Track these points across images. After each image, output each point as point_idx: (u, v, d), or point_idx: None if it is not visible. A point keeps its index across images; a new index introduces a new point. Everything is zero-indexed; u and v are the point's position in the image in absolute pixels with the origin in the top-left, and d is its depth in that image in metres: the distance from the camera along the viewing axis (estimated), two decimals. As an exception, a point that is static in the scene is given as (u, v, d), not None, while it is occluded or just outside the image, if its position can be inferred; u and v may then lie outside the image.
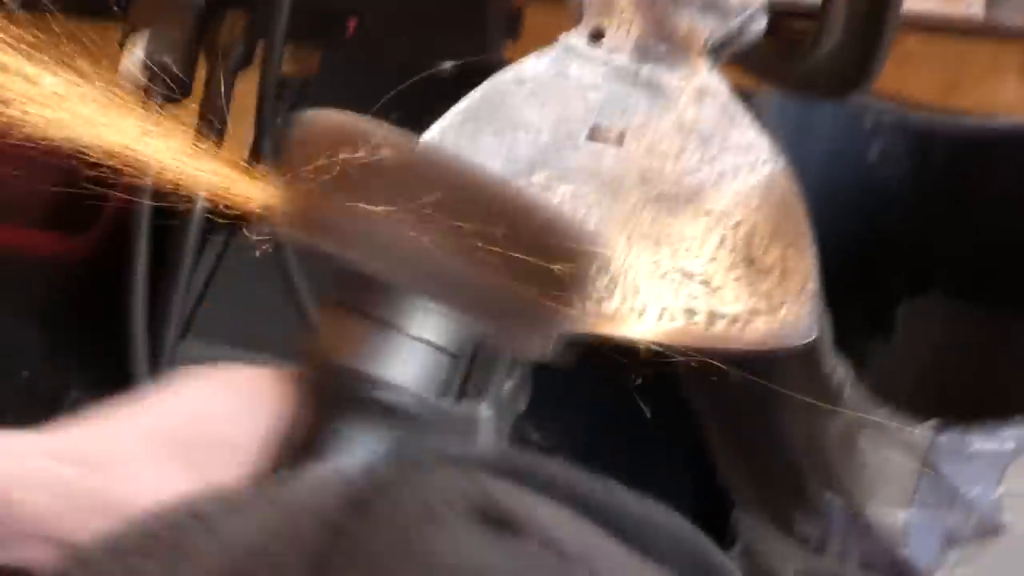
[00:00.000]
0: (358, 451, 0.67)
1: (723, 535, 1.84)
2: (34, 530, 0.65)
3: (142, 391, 0.68)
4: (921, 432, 1.39)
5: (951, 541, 1.51)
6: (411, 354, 0.67)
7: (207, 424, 0.68)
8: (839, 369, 1.42)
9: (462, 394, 1.63)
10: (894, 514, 1.48)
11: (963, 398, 1.69)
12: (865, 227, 1.97)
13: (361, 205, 0.65)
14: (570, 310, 0.67)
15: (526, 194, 0.68)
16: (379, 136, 0.66)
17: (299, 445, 0.67)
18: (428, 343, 0.67)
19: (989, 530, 1.49)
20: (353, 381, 0.66)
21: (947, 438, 1.38)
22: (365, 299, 0.66)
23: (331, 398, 0.67)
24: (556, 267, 0.66)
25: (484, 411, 1.61)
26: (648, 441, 1.96)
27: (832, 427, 1.45)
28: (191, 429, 0.68)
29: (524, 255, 0.66)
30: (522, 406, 1.75)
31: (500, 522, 0.41)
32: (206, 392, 0.69)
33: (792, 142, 1.69)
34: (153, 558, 0.46)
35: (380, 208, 0.65)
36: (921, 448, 1.40)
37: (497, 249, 0.65)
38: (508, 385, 1.69)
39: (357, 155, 0.65)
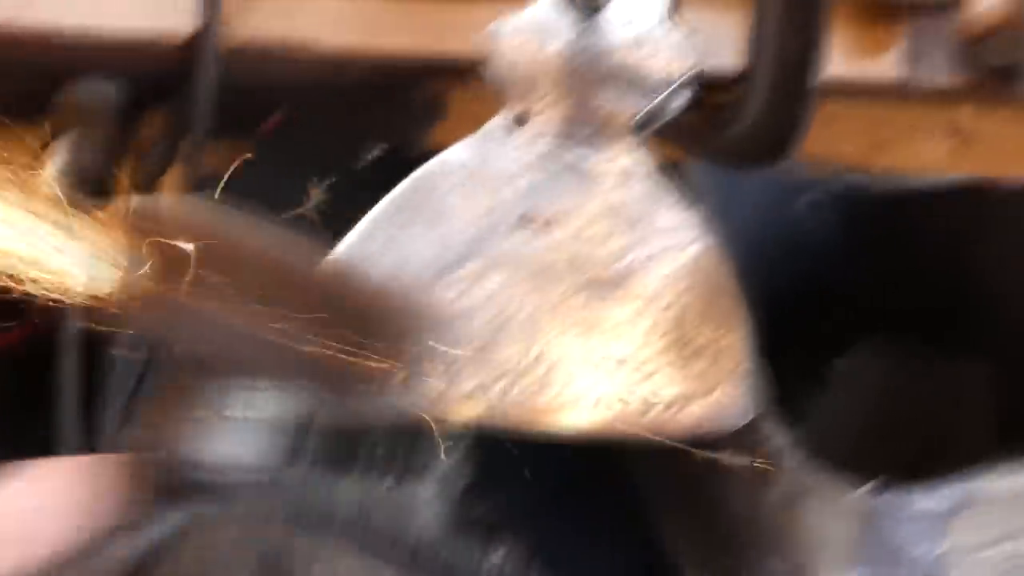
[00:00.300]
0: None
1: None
2: None
3: None
4: (862, 494, 1.40)
5: (898, 599, 1.52)
6: (236, 433, 0.67)
7: (19, 519, 0.67)
8: (777, 435, 1.42)
9: (402, 474, 1.62)
10: (839, 576, 1.49)
11: (905, 449, 1.70)
12: (796, 281, 1.98)
13: (180, 293, 0.65)
14: (389, 375, 0.68)
15: (345, 272, 0.70)
16: (207, 224, 0.67)
17: (126, 532, 0.67)
18: (251, 420, 0.67)
19: (935, 586, 1.50)
20: (182, 466, 0.66)
21: (888, 498, 1.39)
22: (188, 382, 0.67)
23: (159, 482, 0.67)
24: (369, 337, 0.67)
25: (424, 492, 1.61)
26: (595, 512, 1.96)
27: (773, 493, 1.46)
28: (6, 527, 0.67)
29: (340, 328, 0.66)
30: (465, 481, 1.74)
31: (281, 572, 0.41)
32: (16, 486, 0.69)
33: (720, 199, 1.70)
34: None
35: (197, 296, 0.65)
36: (863, 510, 1.41)
37: (313, 325, 0.66)
38: (449, 461, 1.68)
39: (183, 242, 0.66)
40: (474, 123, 0.98)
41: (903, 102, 1.06)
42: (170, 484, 0.67)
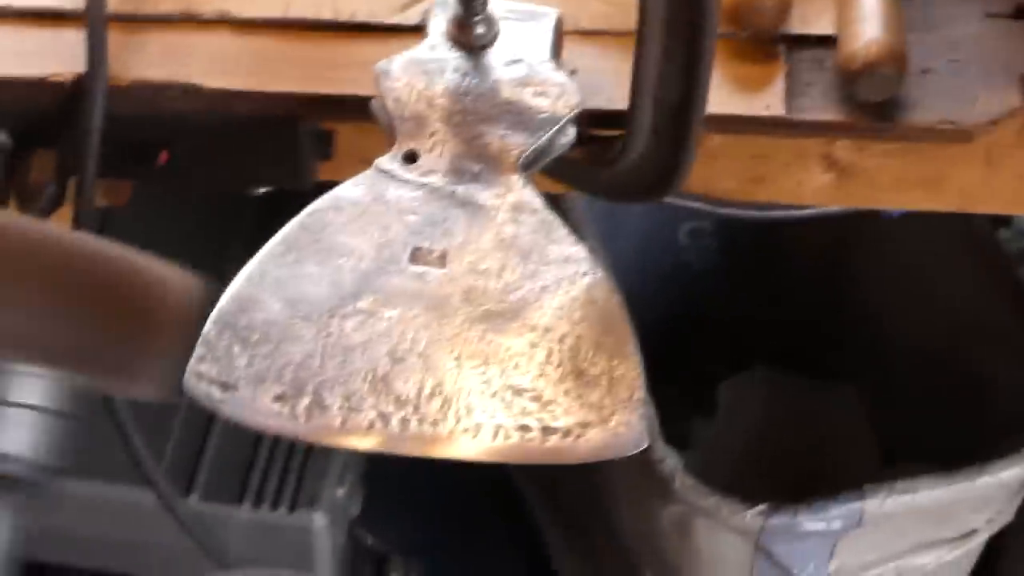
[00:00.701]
0: None
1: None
2: None
3: None
4: (752, 516, 1.42)
5: (789, 619, 1.54)
6: (17, 422, 0.67)
7: None
8: (669, 458, 1.45)
9: (294, 505, 1.62)
10: (732, 597, 1.51)
11: (791, 470, 1.72)
12: (681, 307, 2.01)
13: None
14: (158, 349, 0.68)
15: (110, 250, 0.69)
16: None
17: None
18: (30, 407, 0.67)
19: (825, 606, 1.52)
20: None
21: (777, 520, 1.42)
22: None
23: None
24: (141, 311, 0.67)
25: (318, 520, 1.60)
26: (484, 536, 1.97)
27: (665, 515, 1.48)
28: None
29: (106, 304, 0.66)
30: (356, 511, 1.74)
31: None
32: None
33: (604, 228, 1.73)
34: None
35: None
36: (753, 531, 1.43)
37: (77, 300, 0.66)
38: (340, 492, 1.68)
39: None
40: (362, 161, 0.99)
41: (782, 137, 1.08)
42: None
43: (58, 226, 0.71)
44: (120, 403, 1.21)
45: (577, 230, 1.50)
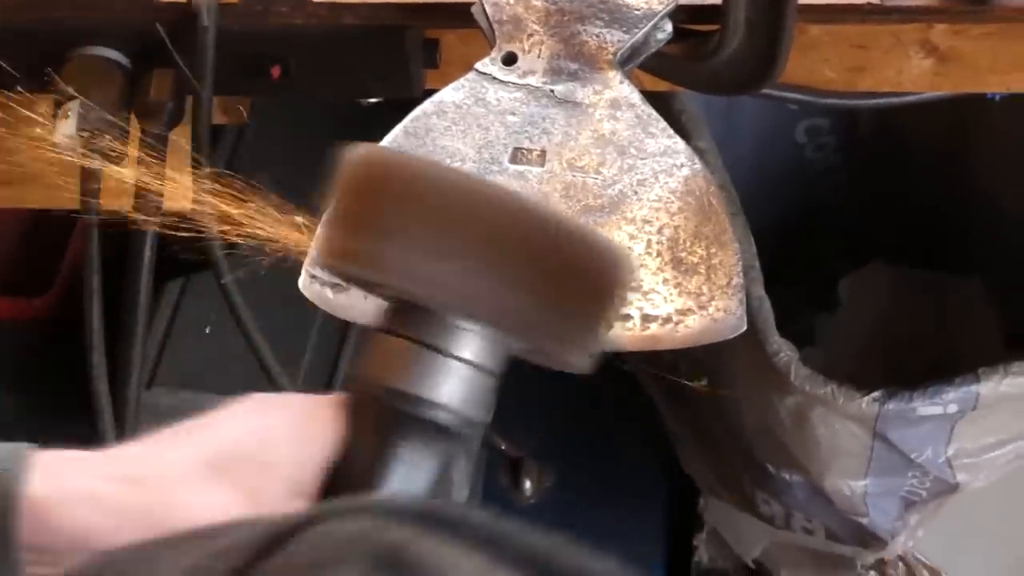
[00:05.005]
0: (410, 471, 0.70)
1: (692, 521, 1.88)
2: (84, 545, 0.68)
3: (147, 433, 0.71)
4: (868, 403, 1.43)
5: (909, 504, 1.55)
6: (455, 374, 0.70)
7: (258, 449, 0.71)
8: (784, 350, 1.46)
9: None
10: (851, 485, 1.52)
11: (913, 362, 1.72)
12: (800, 206, 2.01)
13: (401, 233, 0.68)
14: (607, 324, 0.71)
15: (565, 218, 0.72)
16: (422, 168, 0.70)
17: (353, 466, 0.70)
18: (471, 363, 0.70)
19: (944, 490, 1.53)
20: (406, 403, 0.69)
21: (893, 405, 1.43)
22: (410, 324, 0.70)
23: (384, 421, 0.70)
24: (593, 284, 0.69)
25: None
26: (615, 441, 2.00)
27: (783, 407, 1.49)
28: (242, 453, 0.70)
29: (561, 274, 0.69)
30: (489, 417, 1.77)
31: (401, 571, 0.42)
32: (258, 418, 0.72)
33: (720, 130, 1.74)
34: None
35: (419, 235, 0.68)
36: (870, 418, 1.44)
37: (536, 269, 0.69)
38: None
39: (402, 187, 0.69)
40: (467, 68, 1.02)
41: (879, 24, 1.09)
42: (387, 421, 0.70)
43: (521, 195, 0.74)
44: (253, 323, 1.25)
45: (692, 132, 1.52)
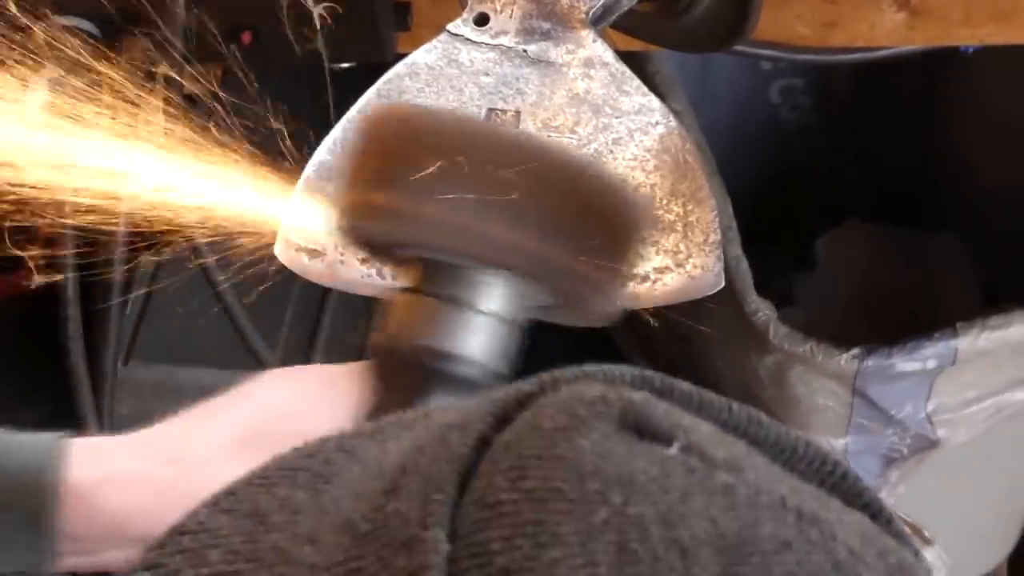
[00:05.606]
0: None
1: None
2: (122, 530, 0.68)
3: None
4: (847, 360, 1.43)
5: (890, 461, 1.55)
6: (482, 329, 0.70)
7: (285, 422, 0.71)
8: (763, 309, 1.46)
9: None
10: (832, 442, 1.52)
11: (892, 319, 1.73)
12: (776, 167, 2.01)
13: (424, 190, 0.68)
14: (626, 277, 0.70)
15: (585, 161, 0.71)
16: (448, 122, 0.70)
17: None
18: (496, 316, 0.70)
19: (925, 446, 1.53)
20: (436, 359, 0.69)
21: (872, 362, 1.43)
22: (437, 281, 0.70)
23: (414, 378, 0.70)
24: (615, 236, 0.69)
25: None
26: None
27: (762, 367, 1.49)
28: (271, 427, 0.71)
29: (586, 217, 0.69)
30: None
31: (643, 430, 0.43)
32: (282, 392, 0.72)
33: (695, 91, 1.73)
34: (299, 487, 0.48)
35: (442, 191, 0.68)
36: (849, 375, 1.44)
37: (561, 213, 0.68)
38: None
39: (427, 144, 0.69)
40: (439, 31, 1.01)
41: (852, -22, 1.09)
42: (417, 377, 0.70)
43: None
44: (232, 294, 1.25)
45: (667, 94, 1.52)
